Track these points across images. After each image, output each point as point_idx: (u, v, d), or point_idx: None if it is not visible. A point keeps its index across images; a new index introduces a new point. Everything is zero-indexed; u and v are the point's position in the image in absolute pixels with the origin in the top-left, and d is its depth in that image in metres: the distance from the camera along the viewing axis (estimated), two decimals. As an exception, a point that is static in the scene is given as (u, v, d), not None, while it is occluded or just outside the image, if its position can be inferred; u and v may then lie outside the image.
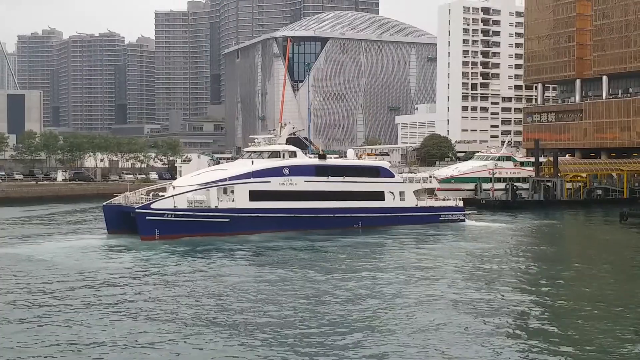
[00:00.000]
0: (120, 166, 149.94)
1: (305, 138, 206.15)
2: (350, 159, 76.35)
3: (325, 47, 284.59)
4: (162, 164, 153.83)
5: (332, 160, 72.97)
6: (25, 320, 31.39)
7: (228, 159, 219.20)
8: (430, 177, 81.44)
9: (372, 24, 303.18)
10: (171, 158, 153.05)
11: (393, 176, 74.35)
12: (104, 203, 61.99)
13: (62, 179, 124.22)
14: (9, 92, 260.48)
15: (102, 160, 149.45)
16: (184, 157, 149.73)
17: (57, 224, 73.63)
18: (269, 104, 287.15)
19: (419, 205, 74.46)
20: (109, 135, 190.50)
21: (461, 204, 79.68)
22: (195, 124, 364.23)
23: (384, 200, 71.78)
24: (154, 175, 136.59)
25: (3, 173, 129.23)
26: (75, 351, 27.08)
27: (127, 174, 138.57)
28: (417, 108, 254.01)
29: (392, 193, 72.49)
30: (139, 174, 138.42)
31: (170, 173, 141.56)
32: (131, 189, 66.81)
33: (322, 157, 72.48)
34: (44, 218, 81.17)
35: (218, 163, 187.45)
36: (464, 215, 78.23)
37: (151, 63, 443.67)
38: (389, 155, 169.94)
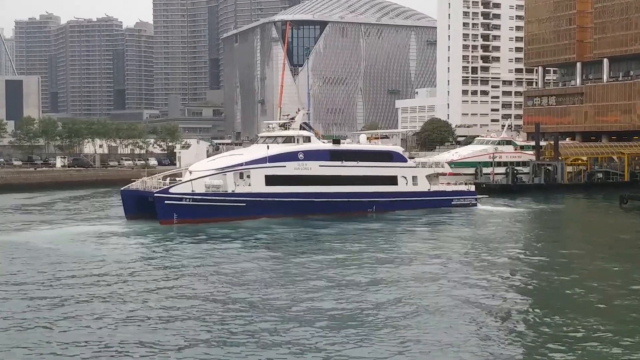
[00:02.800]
0: (119, 152, 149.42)
1: (305, 123, 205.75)
2: (363, 144, 76.34)
3: (324, 31, 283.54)
4: (161, 150, 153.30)
5: (345, 145, 73.39)
6: (56, 310, 31.39)
7: (227, 144, 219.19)
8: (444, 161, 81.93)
9: (372, 7, 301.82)
10: (170, 144, 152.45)
11: (406, 161, 75.01)
12: (122, 188, 62.77)
13: (61, 165, 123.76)
14: (7, 78, 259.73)
15: (101, 146, 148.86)
16: (183, 142, 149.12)
17: (72, 210, 73.43)
18: (268, 89, 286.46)
19: (431, 190, 74.76)
20: (108, 121, 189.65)
21: (473, 188, 79.93)
22: (194, 109, 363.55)
23: (397, 184, 72.12)
24: (153, 161, 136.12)
25: (2, 159, 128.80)
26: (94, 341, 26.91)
27: (126, 159, 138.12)
28: (417, 92, 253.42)
29: (405, 178, 72.79)
30: (138, 160, 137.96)
31: (170, 159, 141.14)
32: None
33: (336, 141, 72.94)
34: (57, 204, 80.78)
35: (217, 148, 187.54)
36: (476, 199, 78.40)
37: (149, 48, 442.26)
38: (389, 138, 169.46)
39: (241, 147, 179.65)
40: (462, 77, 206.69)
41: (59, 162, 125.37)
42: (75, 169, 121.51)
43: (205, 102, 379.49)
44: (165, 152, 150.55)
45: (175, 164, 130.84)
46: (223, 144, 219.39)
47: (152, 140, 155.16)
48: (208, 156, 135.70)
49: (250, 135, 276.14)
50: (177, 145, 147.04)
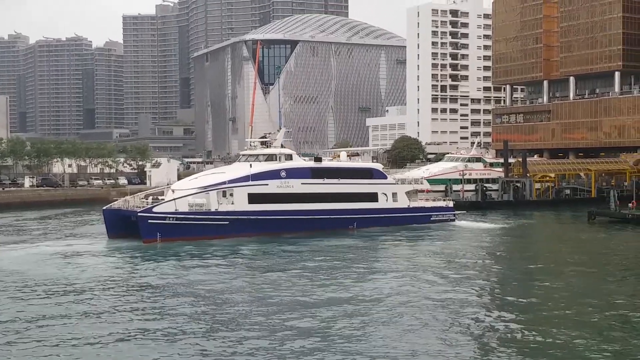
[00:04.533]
0: (88, 171, 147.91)
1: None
2: (344, 161, 77.11)
3: (295, 50, 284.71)
4: (131, 169, 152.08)
5: (326, 163, 74.19)
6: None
7: (198, 163, 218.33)
8: (422, 177, 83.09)
9: (342, 27, 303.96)
10: (140, 163, 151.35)
11: (385, 178, 75.97)
12: (104, 207, 62.67)
13: (30, 185, 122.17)
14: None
15: (70, 165, 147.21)
16: (153, 161, 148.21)
17: (48, 230, 72.73)
18: (239, 108, 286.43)
19: (411, 206, 75.92)
20: (77, 141, 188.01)
21: (451, 204, 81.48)
22: (164, 128, 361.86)
23: (377, 201, 73.13)
24: (122, 180, 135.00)
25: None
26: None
27: (95, 179, 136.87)
28: (387, 110, 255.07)
29: (385, 194, 73.88)
30: (108, 179, 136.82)
31: (140, 178, 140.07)
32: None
33: (318, 159, 73.89)
34: (30, 224, 79.78)
35: (188, 167, 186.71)
36: (454, 215, 79.69)
37: (119, 67, 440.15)
38: (360, 156, 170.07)
39: (212, 165, 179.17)
40: (432, 95, 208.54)
41: (27, 182, 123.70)
42: (44, 188, 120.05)
43: (176, 121, 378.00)
44: (136, 171, 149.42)
45: (145, 183, 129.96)
46: (194, 162, 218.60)
47: (122, 160, 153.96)
48: (179, 175, 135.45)
49: (221, 154, 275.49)
50: (147, 164, 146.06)
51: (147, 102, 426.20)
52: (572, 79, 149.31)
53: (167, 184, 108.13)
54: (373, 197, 72.80)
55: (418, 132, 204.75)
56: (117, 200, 64.02)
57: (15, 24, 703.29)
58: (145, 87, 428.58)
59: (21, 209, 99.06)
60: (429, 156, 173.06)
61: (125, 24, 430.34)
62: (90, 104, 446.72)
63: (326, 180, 69.31)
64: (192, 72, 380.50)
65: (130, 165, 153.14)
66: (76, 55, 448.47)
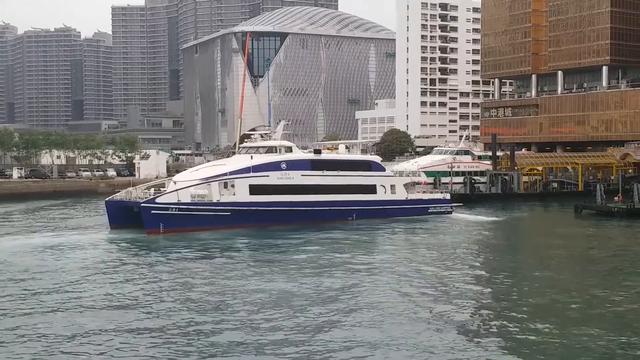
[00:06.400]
0: (77, 163, 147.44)
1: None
2: (342, 154, 77.66)
3: (284, 42, 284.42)
4: (120, 161, 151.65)
5: (326, 155, 74.90)
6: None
7: (188, 155, 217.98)
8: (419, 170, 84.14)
9: (332, 20, 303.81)
10: (129, 154, 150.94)
11: (384, 170, 77.14)
12: (107, 199, 63.40)
13: (18, 177, 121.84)
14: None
15: (58, 157, 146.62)
16: (142, 153, 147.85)
17: (48, 220, 72.97)
18: (229, 100, 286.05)
19: (408, 198, 77.07)
20: (66, 132, 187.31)
21: (448, 196, 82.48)
22: (153, 119, 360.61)
23: (376, 193, 74.21)
24: (111, 172, 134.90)
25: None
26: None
27: (84, 170, 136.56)
28: (376, 103, 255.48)
29: (384, 186, 75.01)
30: (97, 171, 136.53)
31: (129, 170, 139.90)
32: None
33: (317, 152, 74.71)
34: (26, 215, 79.76)
35: (177, 159, 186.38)
36: (451, 207, 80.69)
37: (108, 58, 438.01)
38: (349, 149, 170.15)
39: (201, 157, 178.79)
40: (421, 88, 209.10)
41: (15, 174, 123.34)
42: (33, 180, 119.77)
43: (165, 113, 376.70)
44: (125, 162, 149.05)
45: (134, 175, 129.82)
46: (183, 154, 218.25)
47: (110, 151, 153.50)
48: (168, 167, 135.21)
49: (210, 146, 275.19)
50: (136, 156, 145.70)
51: (136, 94, 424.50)
52: (560, 73, 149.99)
53: (156, 176, 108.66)
54: (372, 189, 73.89)
55: (407, 125, 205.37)
56: (119, 192, 64.75)
57: (4, 14, 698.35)
58: (134, 78, 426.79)
59: (9, 201, 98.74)
60: (418, 149, 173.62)
61: (114, 15, 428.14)
62: (78, 95, 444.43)
63: (326, 172, 70.32)
64: (181, 63, 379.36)
65: (119, 157, 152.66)
66: (65, 46, 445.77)
